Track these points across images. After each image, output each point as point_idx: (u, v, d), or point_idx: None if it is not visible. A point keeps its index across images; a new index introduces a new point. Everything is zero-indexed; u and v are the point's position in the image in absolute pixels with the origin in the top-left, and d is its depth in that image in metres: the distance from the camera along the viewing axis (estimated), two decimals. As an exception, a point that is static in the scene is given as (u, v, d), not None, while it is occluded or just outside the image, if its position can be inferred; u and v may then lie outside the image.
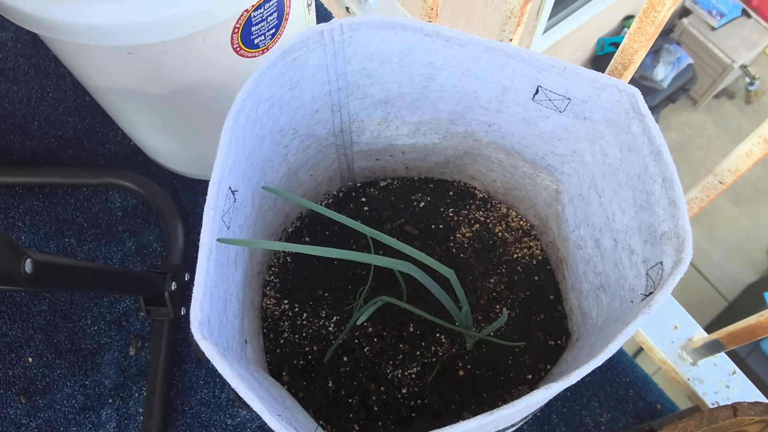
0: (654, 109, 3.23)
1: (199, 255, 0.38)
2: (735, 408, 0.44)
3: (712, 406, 0.57)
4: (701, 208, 0.48)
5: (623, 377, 0.66)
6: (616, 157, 0.45)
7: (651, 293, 0.39)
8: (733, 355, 2.65)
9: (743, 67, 3.59)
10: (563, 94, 0.45)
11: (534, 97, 0.47)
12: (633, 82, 3.15)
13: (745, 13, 3.64)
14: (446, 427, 0.33)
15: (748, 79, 3.73)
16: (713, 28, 3.59)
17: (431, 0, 0.62)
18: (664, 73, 3.19)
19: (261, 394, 0.36)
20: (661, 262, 0.39)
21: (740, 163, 0.42)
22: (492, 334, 0.58)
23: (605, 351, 0.34)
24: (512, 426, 0.42)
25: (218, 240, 0.39)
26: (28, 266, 0.39)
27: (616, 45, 3.24)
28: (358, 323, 0.47)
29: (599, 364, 0.35)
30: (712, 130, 3.80)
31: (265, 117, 0.46)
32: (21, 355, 0.67)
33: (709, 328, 0.56)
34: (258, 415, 0.63)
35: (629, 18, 3.28)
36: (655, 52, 3.25)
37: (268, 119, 0.46)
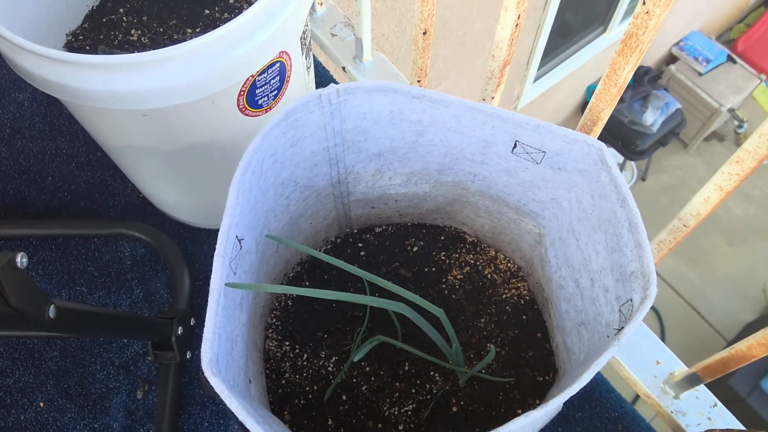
0: (645, 153, 3.31)
1: (210, 298, 0.41)
2: (709, 435, 0.47)
3: (696, 439, 0.60)
4: (670, 249, 0.53)
5: (612, 412, 0.68)
6: (589, 203, 0.50)
7: (622, 328, 0.43)
8: (733, 395, 2.64)
9: (731, 110, 3.69)
10: (539, 148, 0.50)
11: (513, 150, 0.51)
12: (623, 127, 3.25)
13: (730, 58, 3.76)
14: (436, 453, 0.36)
15: (736, 122, 3.83)
16: (700, 74, 3.71)
17: (420, 62, 0.68)
18: (653, 118, 3.28)
19: (267, 429, 0.39)
20: (631, 299, 0.43)
21: (700, 208, 0.46)
22: (483, 370, 0.61)
23: (579, 380, 0.38)
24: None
25: (226, 284, 0.43)
26: (51, 312, 0.43)
27: (606, 91, 3.33)
28: (355, 360, 0.50)
29: (574, 392, 0.38)
30: (703, 171, 3.87)
31: (269, 171, 0.50)
32: (33, 400, 0.70)
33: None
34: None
35: (617, 66, 3.38)
36: (643, 99, 3.35)
37: (272, 173, 0.51)
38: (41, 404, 0.70)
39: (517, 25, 0.51)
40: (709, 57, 3.65)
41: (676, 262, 3.48)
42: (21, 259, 0.39)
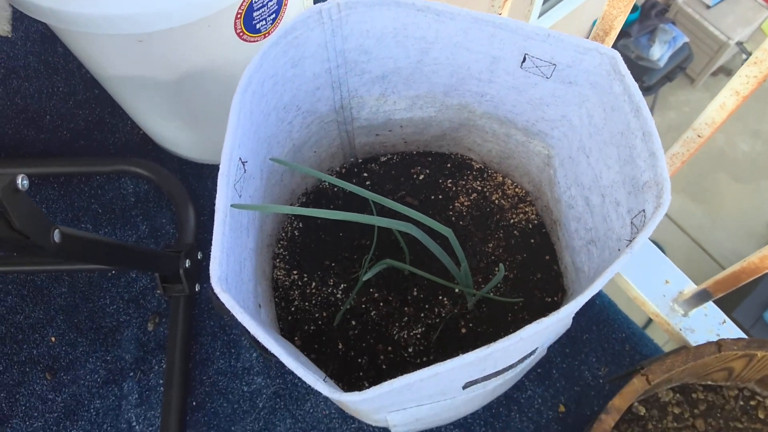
0: (652, 89, 3.25)
1: (216, 218, 0.41)
2: (719, 344, 0.47)
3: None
4: (683, 162, 0.51)
5: (619, 333, 0.69)
6: (601, 117, 0.48)
7: (635, 238, 0.42)
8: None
9: (739, 44, 3.60)
10: (549, 60, 0.48)
11: (522, 65, 0.50)
12: (630, 62, 3.18)
13: (739, -10, 3.64)
14: (449, 360, 0.36)
15: (744, 56, 3.74)
16: (708, 7, 3.60)
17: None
18: (660, 53, 3.20)
19: (277, 343, 0.39)
20: (644, 210, 0.43)
21: (715, 115, 0.45)
22: (491, 292, 0.61)
23: (592, 287, 0.38)
24: (511, 367, 0.46)
25: (232, 206, 0.42)
26: (56, 236, 0.43)
27: (612, 26, 3.25)
28: (364, 279, 0.50)
29: (587, 299, 0.38)
30: (710, 107, 3.81)
31: (270, 93, 0.49)
32: (44, 335, 0.71)
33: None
34: (271, 382, 0.66)
35: (623, -1, 3.28)
36: (650, 33, 3.27)
37: (273, 96, 0.50)
38: (53, 339, 0.71)
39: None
40: (718, -12, 3.53)
41: (682, 199, 3.46)
42: (22, 181, 0.38)
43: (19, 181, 0.38)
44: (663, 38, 3.19)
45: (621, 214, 0.46)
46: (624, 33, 3.21)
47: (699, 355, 0.46)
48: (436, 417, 0.56)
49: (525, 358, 0.47)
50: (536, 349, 0.47)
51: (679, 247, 3.36)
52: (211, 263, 0.39)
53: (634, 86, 0.43)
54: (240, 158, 0.45)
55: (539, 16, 2.65)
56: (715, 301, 0.59)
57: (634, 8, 3.26)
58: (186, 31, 0.53)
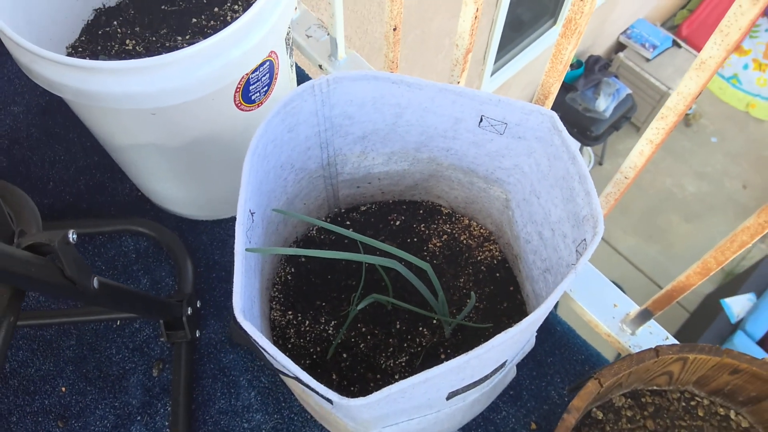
0: (600, 138, 3.45)
1: (235, 261, 0.49)
2: (657, 350, 0.56)
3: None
4: (616, 200, 0.62)
5: (579, 355, 0.78)
6: (546, 165, 0.58)
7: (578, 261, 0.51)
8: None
9: (678, 93, 3.86)
10: (501, 120, 0.58)
11: (480, 124, 0.60)
12: (578, 114, 3.38)
13: (675, 43, 3.94)
14: (436, 366, 0.44)
15: (683, 104, 4.00)
16: (648, 60, 3.88)
17: (392, 55, 0.76)
18: (605, 104, 3.42)
19: (294, 365, 0.46)
20: (584, 239, 0.52)
21: (637, 160, 0.55)
22: (465, 320, 0.69)
23: (546, 302, 0.46)
24: (486, 378, 0.54)
25: (246, 250, 0.50)
26: (95, 283, 0.50)
27: (560, 81, 3.47)
28: (356, 309, 0.58)
29: (543, 313, 0.47)
30: (657, 153, 4.04)
31: (270, 155, 0.58)
32: (55, 386, 0.76)
33: (676, 338, 0.68)
34: (270, 418, 0.73)
35: (569, 56, 3.52)
36: (595, 86, 3.50)
37: (273, 156, 0.58)
38: (63, 389, 0.76)
39: (476, 17, 0.60)
40: (656, 43, 3.82)
41: (636, 240, 3.63)
42: (72, 235, 0.46)
43: (69, 235, 0.45)
44: (607, 91, 3.42)
45: (568, 244, 0.56)
46: (570, 87, 3.44)
47: (641, 360, 0.55)
48: (423, 433, 0.63)
49: (497, 369, 0.55)
50: (506, 361, 0.55)
51: (637, 285, 3.50)
52: (233, 298, 0.47)
53: (570, 139, 0.54)
54: (250, 210, 0.53)
55: (491, 75, 2.84)
56: (681, 338, 0.68)
57: (579, 64, 3.50)
58: (194, 104, 0.62)
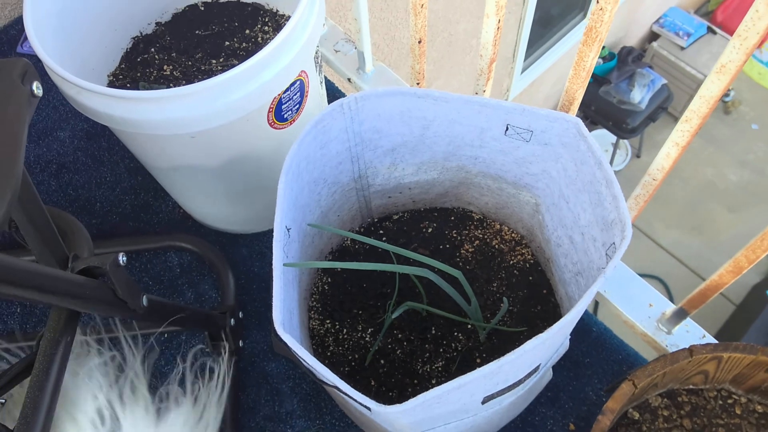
0: (636, 130, 3.40)
1: (273, 276, 0.51)
2: (691, 350, 0.56)
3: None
4: (646, 202, 0.62)
5: (616, 355, 0.78)
6: (573, 170, 0.59)
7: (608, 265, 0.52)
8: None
9: (716, 80, 3.77)
10: (527, 128, 0.59)
11: (506, 133, 0.61)
12: (613, 107, 3.34)
13: (710, 30, 3.85)
14: (470, 372, 0.45)
15: (722, 92, 3.91)
16: (682, 48, 3.80)
17: (418, 66, 0.78)
18: (640, 96, 3.37)
19: (333, 373, 0.48)
20: (614, 243, 0.53)
21: (664, 163, 0.56)
22: (499, 323, 0.71)
23: (577, 306, 0.47)
24: (520, 382, 0.55)
25: (284, 264, 0.53)
26: (145, 301, 0.53)
27: (592, 76, 3.43)
28: (392, 317, 0.60)
29: (573, 317, 0.48)
30: (697, 143, 3.95)
31: (304, 171, 0.60)
32: (109, 397, 0.80)
33: (721, 333, 0.68)
34: (312, 423, 0.75)
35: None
36: (629, 78, 3.44)
37: (306, 173, 0.61)
38: (117, 400, 0.79)
39: (498, 29, 0.61)
40: (690, 30, 3.74)
41: (679, 233, 3.56)
42: (122, 258, 0.49)
43: (120, 257, 0.48)
44: (642, 82, 3.36)
45: (598, 248, 0.57)
46: (604, 80, 3.39)
47: (675, 360, 0.56)
48: (461, 436, 0.65)
49: (531, 374, 0.56)
50: (539, 366, 0.56)
51: (681, 280, 3.43)
52: (273, 312, 0.49)
53: (595, 145, 0.55)
54: (286, 226, 0.55)
55: (521, 72, 2.83)
56: (723, 335, 0.68)
57: (611, 56, 3.45)
58: (231, 126, 0.65)
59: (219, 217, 0.86)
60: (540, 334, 0.47)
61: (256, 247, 0.89)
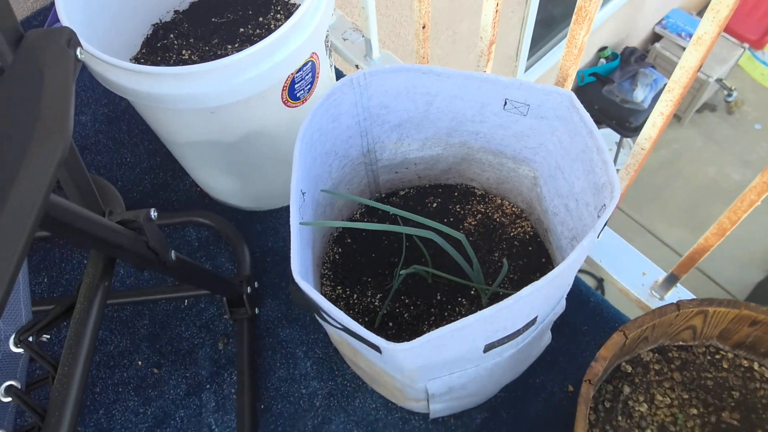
0: (639, 129, 3.43)
1: (291, 233, 0.56)
2: (678, 304, 0.60)
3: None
4: (636, 172, 0.66)
5: (613, 323, 0.82)
6: (568, 141, 0.64)
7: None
8: None
9: (719, 80, 3.81)
10: (524, 102, 0.64)
11: (504, 107, 0.66)
12: (616, 106, 3.38)
13: (713, 31, 3.88)
14: (468, 317, 0.50)
15: (725, 92, 3.95)
16: (684, 49, 3.83)
17: (422, 51, 0.82)
18: (643, 95, 3.41)
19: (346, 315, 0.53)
20: (604, 204, 0.57)
21: (651, 131, 0.60)
22: (500, 288, 0.75)
23: (569, 258, 0.52)
24: (519, 333, 0.59)
25: (300, 223, 0.58)
26: (173, 255, 0.58)
27: (595, 75, 3.48)
28: (400, 278, 0.64)
29: (565, 267, 0.52)
30: (700, 142, 3.99)
31: (317, 142, 0.65)
32: (132, 361, 0.85)
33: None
34: (324, 384, 0.80)
35: (603, 49, 3.52)
36: (632, 77, 3.48)
37: (319, 144, 0.66)
38: (139, 363, 0.84)
39: (497, 11, 0.66)
40: (692, 32, 3.77)
41: (682, 232, 3.59)
42: (153, 213, 0.54)
43: (151, 212, 0.53)
44: (644, 81, 3.40)
45: (590, 212, 0.61)
46: (607, 80, 3.43)
47: (663, 313, 0.60)
48: (465, 391, 0.69)
49: (529, 325, 0.60)
50: (536, 319, 0.61)
51: (686, 278, 3.47)
52: (291, 263, 0.54)
53: (586, 116, 0.59)
54: (301, 190, 0.60)
55: (525, 71, 2.87)
56: None
57: (614, 56, 3.49)
58: (247, 103, 0.70)
59: (234, 194, 0.91)
60: (536, 282, 0.51)
61: (270, 223, 0.93)
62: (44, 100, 0.36)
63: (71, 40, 0.45)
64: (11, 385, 0.49)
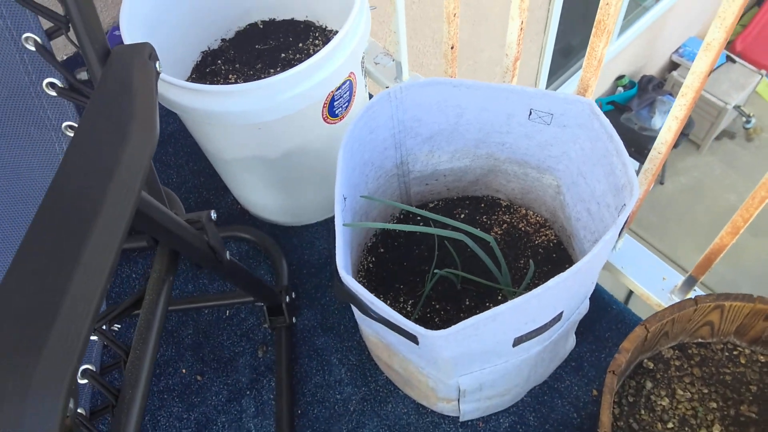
0: (658, 156, 3.45)
1: (336, 231, 0.61)
2: (696, 299, 0.64)
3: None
4: (654, 175, 0.71)
5: (630, 327, 0.85)
6: (589, 147, 0.69)
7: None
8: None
9: (737, 107, 3.84)
10: (548, 111, 0.69)
11: (529, 117, 0.71)
12: (634, 133, 3.42)
13: (729, 59, 3.93)
14: (499, 306, 0.54)
15: (744, 118, 3.97)
16: (702, 77, 3.87)
17: (450, 70, 0.88)
18: (661, 123, 3.44)
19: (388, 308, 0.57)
20: (624, 204, 0.62)
21: (667, 136, 0.65)
22: (527, 290, 0.79)
23: (592, 251, 0.56)
24: (546, 327, 0.63)
25: (344, 225, 0.63)
26: (228, 255, 0.63)
27: (613, 103, 3.53)
28: (432, 282, 0.69)
29: (588, 260, 0.57)
30: (720, 169, 3.99)
31: (356, 153, 0.70)
32: (176, 369, 0.89)
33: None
34: (358, 390, 0.84)
35: (620, 77, 3.58)
36: (650, 105, 3.53)
37: (358, 154, 0.71)
38: (183, 371, 0.89)
39: (521, 29, 0.71)
40: (708, 60, 3.82)
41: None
42: (213, 214, 0.59)
43: (212, 213, 0.59)
44: (662, 109, 3.45)
45: (611, 212, 0.66)
46: (625, 108, 3.48)
47: (681, 308, 0.63)
48: (494, 390, 0.73)
49: (555, 320, 0.64)
50: (562, 313, 0.65)
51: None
52: (336, 259, 0.59)
53: (606, 121, 0.64)
54: (343, 195, 0.65)
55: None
56: None
57: (632, 84, 3.55)
58: (291, 119, 0.76)
59: (273, 210, 0.96)
60: (561, 273, 0.55)
61: (306, 237, 0.99)
62: (135, 104, 0.42)
63: (151, 54, 0.51)
64: (87, 369, 0.54)
